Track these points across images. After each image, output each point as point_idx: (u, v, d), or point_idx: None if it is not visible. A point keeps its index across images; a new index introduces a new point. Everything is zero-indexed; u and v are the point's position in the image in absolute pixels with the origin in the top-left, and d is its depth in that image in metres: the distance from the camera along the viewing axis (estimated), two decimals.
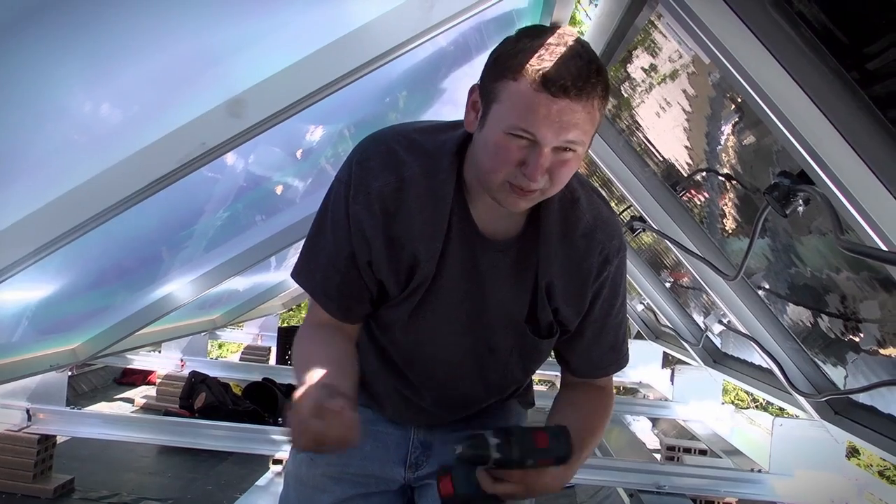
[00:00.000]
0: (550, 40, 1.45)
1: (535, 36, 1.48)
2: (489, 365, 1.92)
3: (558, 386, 2.01)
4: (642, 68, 3.12)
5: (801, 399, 3.60)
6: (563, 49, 1.44)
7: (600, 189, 1.86)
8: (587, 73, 1.43)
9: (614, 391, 1.98)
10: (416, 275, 1.73)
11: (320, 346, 1.78)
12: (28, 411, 3.94)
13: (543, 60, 1.43)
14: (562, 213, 1.72)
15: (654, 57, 2.95)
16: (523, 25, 1.53)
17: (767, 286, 3.57)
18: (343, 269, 1.75)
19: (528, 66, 1.44)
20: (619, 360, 1.91)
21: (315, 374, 1.61)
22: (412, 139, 1.69)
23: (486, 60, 1.53)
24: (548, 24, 1.53)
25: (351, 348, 1.83)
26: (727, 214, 3.45)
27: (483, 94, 1.54)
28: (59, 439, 4.15)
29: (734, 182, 3.03)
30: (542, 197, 1.59)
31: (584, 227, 1.73)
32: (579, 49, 1.46)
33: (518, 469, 1.61)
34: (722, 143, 2.93)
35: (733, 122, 2.72)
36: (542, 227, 1.71)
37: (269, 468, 3.80)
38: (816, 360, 3.53)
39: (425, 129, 1.74)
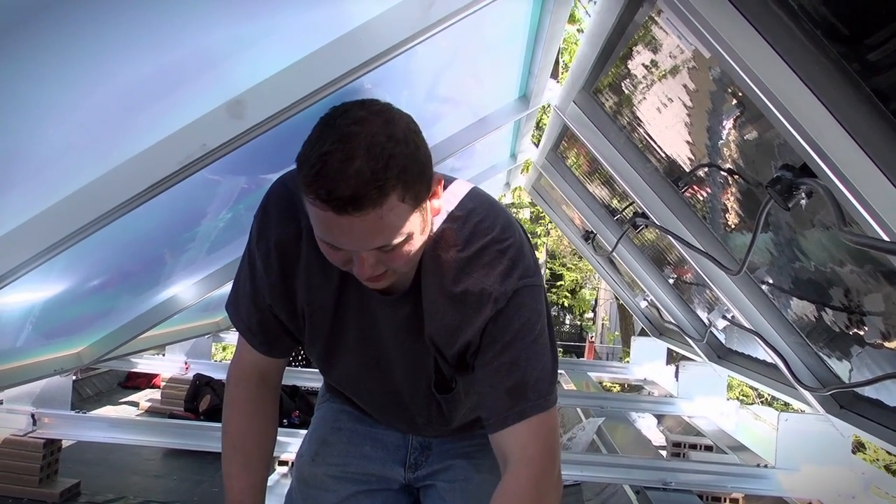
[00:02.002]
0: (328, 148, 1.35)
1: (317, 144, 1.38)
2: (414, 410, 1.91)
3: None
4: (643, 64, 3.11)
5: (807, 393, 3.60)
6: (339, 155, 1.34)
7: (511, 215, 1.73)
8: (367, 180, 1.33)
9: (551, 462, 1.64)
10: (316, 323, 1.73)
11: (245, 430, 1.88)
12: (33, 415, 3.94)
13: (318, 180, 1.34)
14: (436, 267, 1.64)
15: (654, 53, 2.95)
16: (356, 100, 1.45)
17: (771, 281, 3.57)
18: (261, 308, 1.78)
19: (307, 185, 1.37)
20: (519, 406, 1.62)
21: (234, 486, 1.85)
22: None
23: None
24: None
25: (272, 417, 1.93)
26: (730, 209, 3.45)
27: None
28: (65, 443, 4.16)
29: (736, 177, 3.03)
30: (396, 276, 1.56)
31: (455, 273, 1.64)
32: (364, 144, 1.35)
33: None
34: (724, 137, 2.92)
35: (735, 116, 2.72)
36: (421, 283, 1.65)
37: (274, 469, 3.80)
38: (821, 354, 3.53)
39: None
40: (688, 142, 3.31)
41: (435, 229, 1.62)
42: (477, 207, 1.69)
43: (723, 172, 3.13)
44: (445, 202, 1.65)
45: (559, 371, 7.95)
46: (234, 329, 1.87)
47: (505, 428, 1.63)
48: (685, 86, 2.88)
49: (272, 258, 1.70)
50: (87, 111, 1.95)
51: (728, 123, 2.82)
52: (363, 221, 1.36)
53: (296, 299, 1.73)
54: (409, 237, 1.45)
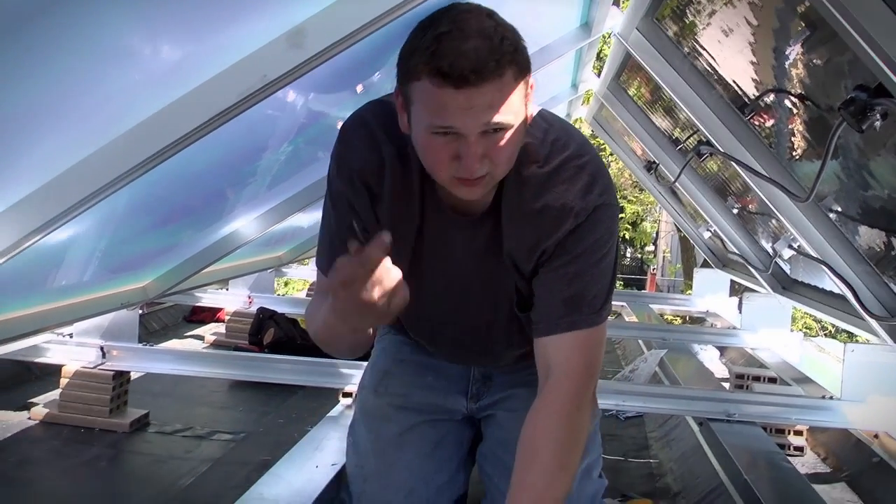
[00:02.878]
0: (442, 29, 1.42)
1: (428, 27, 1.44)
2: (492, 339, 1.95)
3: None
4: None
5: (874, 323, 3.52)
6: (456, 35, 1.41)
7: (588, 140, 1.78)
8: (486, 55, 1.40)
9: (589, 379, 1.72)
10: (396, 257, 1.74)
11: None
12: (102, 348, 4.03)
13: (436, 56, 1.40)
14: (517, 182, 1.68)
15: None
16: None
17: (839, 209, 3.49)
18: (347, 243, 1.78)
19: (424, 64, 1.41)
20: (572, 316, 1.70)
21: None
22: (391, 117, 1.66)
23: None
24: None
25: None
26: (797, 135, 3.36)
27: (403, 97, 1.53)
28: (133, 375, 4.25)
29: (805, 101, 2.94)
30: (494, 180, 1.58)
31: (536, 188, 1.68)
32: (478, 27, 1.42)
33: None
34: (792, 60, 2.84)
35: (804, 38, 2.63)
36: (502, 200, 1.69)
37: (338, 401, 3.85)
38: (890, 283, 3.45)
39: None
40: (754, 66, 3.22)
41: None
42: (552, 126, 1.72)
43: (791, 97, 3.04)
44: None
45: (621, 303, 7.94)
46: (312, 270, 1.87)
47: (553, 334, 1.70)
48: (751, 6, 2.79)
49: (357, 186, 1.72)
50: (145, 47, 1.96)
51: (796, 46, 2.73)
52: (481, 94, 1.41)
53: (381, 225, 1.74)
54: (515, 125, 1.49)
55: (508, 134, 1.49)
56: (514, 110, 1.47)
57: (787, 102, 3.12)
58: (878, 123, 2.12)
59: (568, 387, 1.69)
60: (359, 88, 3.48)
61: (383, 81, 3.62)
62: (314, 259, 8.32)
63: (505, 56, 1.42)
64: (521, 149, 1.61)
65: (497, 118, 1.45)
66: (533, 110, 1.65)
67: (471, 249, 1.77)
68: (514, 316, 1.85)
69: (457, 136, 1.47)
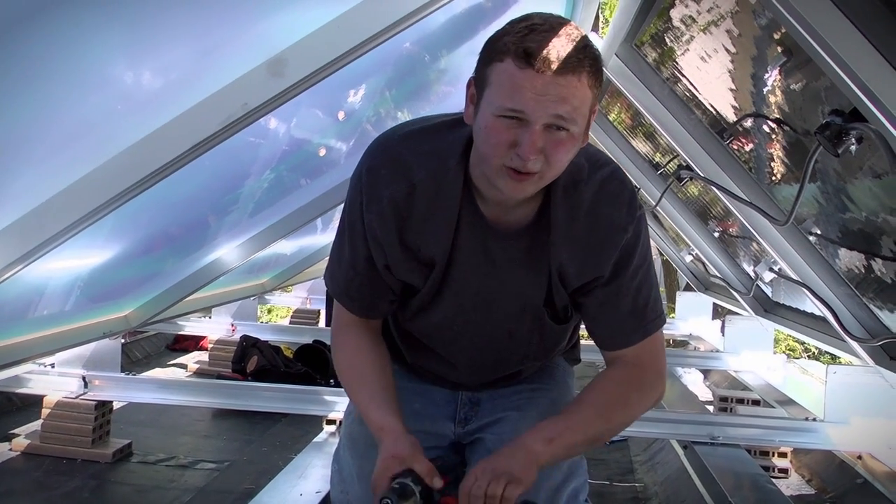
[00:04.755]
0: (536, 21, 1.49)
1: (522, 20, 1.50)
2: (509, 348, 1.96)
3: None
4: (685, 14, 3.06)
5: (855, 345, 3.54)
6: (548, 28, 1.47)
7: (613, 160, 1.82)
8: (573, 49, 1.45)
9: (660, 369, 1.88)
10: (433, 271, 1.78)
11: (362, 365, 1.88)
12: (84, 378, 4.01)
13: (527, 39, 1.46)
14: (566, 196, 1.71)
15: (697, 2, 2.90)
16: None
17: (819, 231, 3.51)
18: (363, 272, 1.82)
19: (514, 44, 1.46)
20: (642, 324, 1.82)
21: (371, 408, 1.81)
22: (419, 142, 1.72)
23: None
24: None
25: (383, 350, 1.93)
26: (776, 159, 3.39)
27: (477, 84, 1.57)
28: (116, 405, 4.22)
29: (783, 126, 2.97)
30: (542, 181, 1.60)
31: (588, 205, 1.72)
32: (568, 29, 1.48)
33: None
34: (769, 86, 2.87)
35: (781, 63, 2.66)
36: (550, 212, 1.72)
37: (322, 429, 3.84)
38: (870, 305, 3.47)
39: (430, 128, 1.77)
40: (732, 92, 3.25)
41: None
42: (591, 156, 1.77)
43: (769, 122, 3.07)
44: None
45: None
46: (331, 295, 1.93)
47: (628, 347, 1.82)
48: (729, 34, 2.83)
49: (387, 214, 1.74)
50: (128, 75, 1.96)
51: (774, 71, 2.77)
52: (558, 84, 1.46)
53: (412, 250, 1.78)
54: (577, 131, 1.53)
55: (569, 136, 1.52)
56: (581, 113, 1.51)
57: (766, 127, 3.15)
58: (853, 147, 2.14)
59: (634, 369, 1.82)
60: (340, 115, 3.50)
61: (364, 109, 3.64)
62: (296, 286, 8.23)
63: (587, 58, 1.47)
64: (566, 171, 1.65)
65: (565, 112, 1.48)
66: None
67: (508, 261, 1.79)
68: (535, 327, 1.88)
69: (521, 123, 1.50)
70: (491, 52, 1.52)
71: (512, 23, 1.52)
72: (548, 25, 1.48)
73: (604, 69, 1.56)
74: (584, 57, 1.47)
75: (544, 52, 1.44)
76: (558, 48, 1.44)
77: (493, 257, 1.79)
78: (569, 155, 1.56)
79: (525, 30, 1.47)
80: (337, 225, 1.87)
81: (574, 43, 1.46)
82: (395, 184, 1.73)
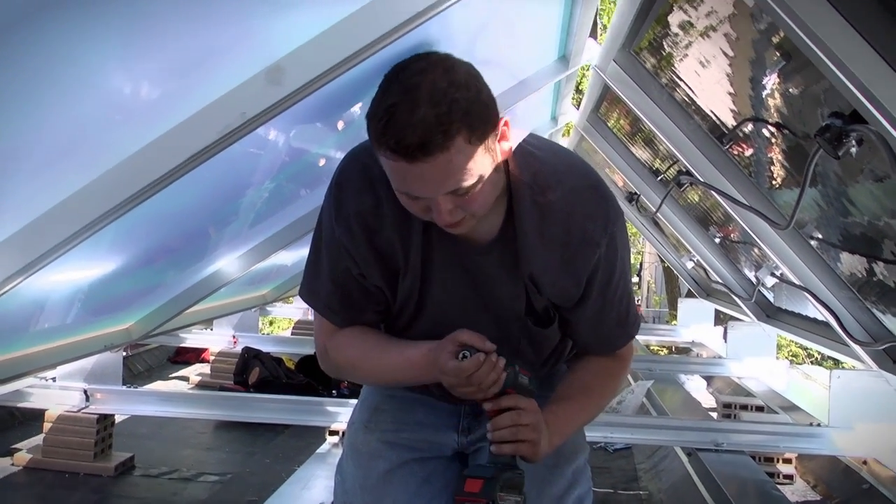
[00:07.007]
0: (392, 99, 1.45)
1: (385, 92, 1.48)
2: (502, 354, 1.95)
3: None
4: (683, 19, 3.06)
5: (859, 349, 3.53)
6: (405, 106, 1.43)
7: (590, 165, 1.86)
8: (433, 127, 1.42)
9: (629, 354, 2.00)
10: (406, 284, 1.79)
11: (366, 338, 1.88)
12: (86, 391, 4.01)
13: (388, 132, 1.43)
14: (534, 205, 1.70)
15: (695, 7, 2.89)
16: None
17: (820, 236, 3.51)
18: (342, 283, 1.82)
19: (376, 140, 1.46)
20: (628, 331, 1.92)
21: (404, 354, 1.82)
22: None
23: None
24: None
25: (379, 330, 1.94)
26: (776, 163, 3.39)
27: None
28: (118, 418, 4.22)
29: (783, 130, 2.97)
30: (475, 219, 1.60)
31: (558, 214, 1.71)
32: (426, 93, 1.43)
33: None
34: (768, 90, 2.86)
35: (779, 67, 2.66)
36: (516, 223, 1.71)
37: (325, 440, 3.82)
38: (873, 309, 3.46)
39: None
40: (731, 97, 3.25)
41: (520, 172, 1.68)
42: (547, 149, 1.77)
43: (768, 126, 3.06)
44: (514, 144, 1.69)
45: None
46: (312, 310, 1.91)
47: (613, 352, 1.94)
48: (727, 38, 2.82)
49: (354, 229, 1.75)
50: (125, 86, 1.96)
51: (772, 75, 2.76)
52: (433, 167, 1.45)
53: (385, 263, 1.78)
54: (481, 179, 1.52)
55: (475, 189, 1.52)
56: (473, 171, 1.49)
57: (765, 131, 3.15)
58: (853, 150, 2.14)
59: (617, 360, 1.96)
60: (339, 125, 3.49)
61: (364, 117, 3.63)
62: (297, 297, 8.24)
63: (454, 124, 1.43)
64: (531, 176, 1.66)
65: (453, 185, 1.48)
66: (519, 136, 1.68)
67: (483, 274, 1.79)
68: (522, 334, 1.88)
69: (424, 197, 1.52)
70: (370, 136, 1.50)
71: (377, 97, 1.49)
72: (406, 100, 1.43)
73: (488, 108, 1.51)
74: (450, 125, 1.42)
75: (407, 141, 1.42)
76: (419, 132, 1.41)
77: (468, 269, 1.79)
78: (488, 197, 1.58)
79: (385, 115, 1.44)
80: (310, 246, 1.87)
81: (436, 112, 1.42)
82: (361, 197, 1.74)
